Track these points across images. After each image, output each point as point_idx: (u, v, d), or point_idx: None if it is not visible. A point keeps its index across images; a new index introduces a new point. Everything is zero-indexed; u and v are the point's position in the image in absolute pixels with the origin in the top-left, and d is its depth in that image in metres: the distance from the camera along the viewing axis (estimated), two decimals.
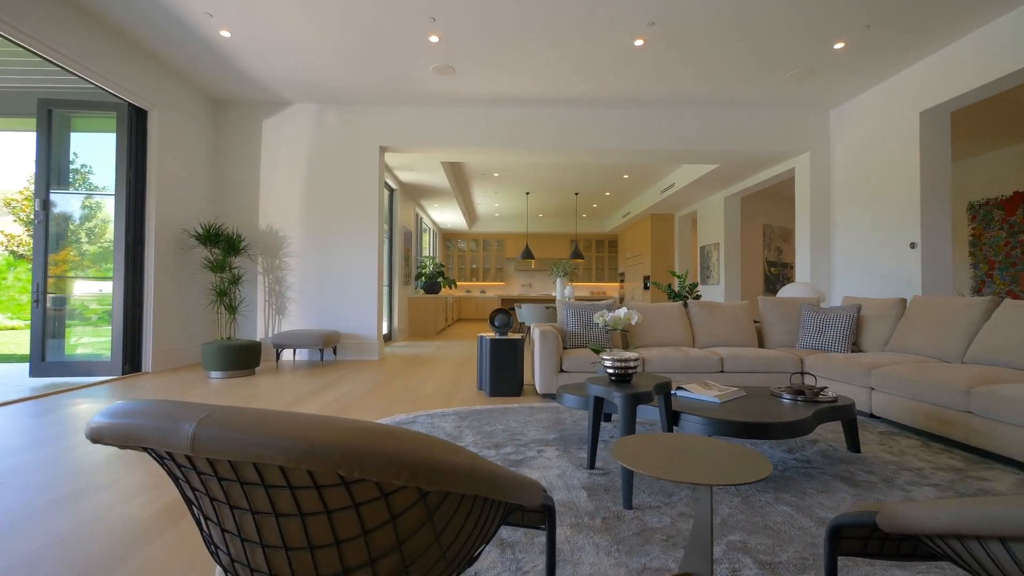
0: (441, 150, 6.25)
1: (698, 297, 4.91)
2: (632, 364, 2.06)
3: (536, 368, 3.81)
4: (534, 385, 4.33)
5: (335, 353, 5.89)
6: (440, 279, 10.29)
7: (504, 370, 3.91)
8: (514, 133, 6.11)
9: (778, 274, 10.04)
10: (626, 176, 9.62)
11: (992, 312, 3.15)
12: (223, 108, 6.04)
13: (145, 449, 0.69)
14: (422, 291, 10.57)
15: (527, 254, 10.87)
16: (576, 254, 10.96)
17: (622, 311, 2.69)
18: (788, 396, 2.52)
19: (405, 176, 8.42)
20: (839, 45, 4.63)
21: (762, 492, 2.01)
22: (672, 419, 2.22)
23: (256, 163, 6.05)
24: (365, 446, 0.58)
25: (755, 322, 4.58)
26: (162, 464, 0.75)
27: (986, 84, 4.27)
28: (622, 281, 14.47)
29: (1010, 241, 6.92)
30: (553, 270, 8.22)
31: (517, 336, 3.98)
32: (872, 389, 3.13)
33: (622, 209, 12.83)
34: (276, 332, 5.98)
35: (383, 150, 6.22)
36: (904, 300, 3.87)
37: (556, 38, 4.48)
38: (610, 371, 2.11)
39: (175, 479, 0.76)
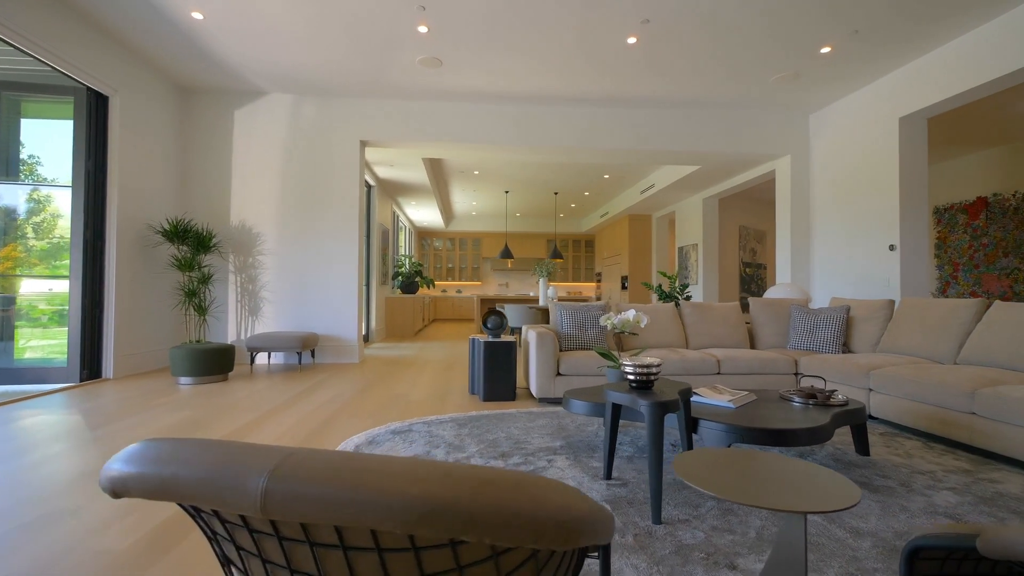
0: (424, 146, 6.06)
1: (688, 298, 4.90)
2: (655, 370, 1.97)
3: (532, 372, 3.69)
4: (527, 389, 4.22)
5: (313, 356, 5.63)
6: (418, 278, 10.06)
7: (498, 374, 3.78)
8: (499, 130, 5.97)
9: (752, 274, 10.25)
10: (607, 176, 9.63)
11: (982, 314, 3.22)
12: (191, 96, 5.68)
13: (181, 504, 0.53)
14: (399, 291, 10.32)
15: (506, 253, 10.75)
16: (555, 254, 10.92)
17: (630, 313, 2.61)
18: (799, 400, 2.49)
19: (384, 172, 8.16)
20: (825, 50, 4.69)
21: None
22: (691, 426, 2.14)
23: (227, 156, 5.71)
24: (497, 506, 0.45)
25: (745, 323, 4.59)
26: (196, 518, 0.59)
27: (965, 91, 4.40)
28: (599, 281, 14.53)
29: (973, 244, 7.24)
30: (536, 270, 8.13)
31: (511, 339, 3.86)
32: (871, 390, 3.15)
33: (600, 209, 12.86)
34: (250, 334, 5.67)
35: (364, 144, 5.98)
36: (892, 301, 3.94)
37: (549, 33, 4.38)
38: (631, 378, 2.01)
39: (212, 536, 0.61)
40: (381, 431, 2.89)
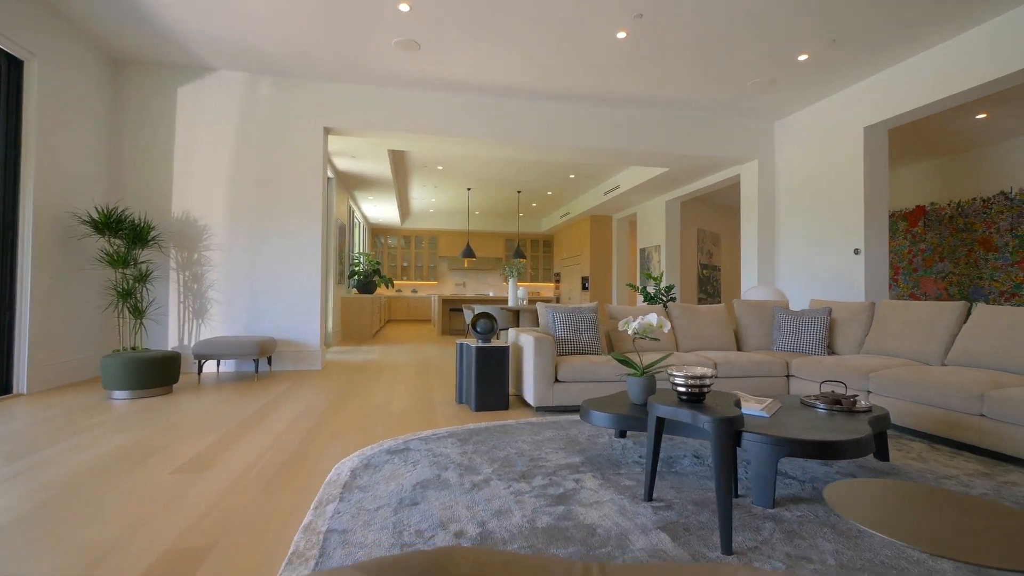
0: (393, 136, 5.66)
1: (673, 299, 4.85)
2: (708, 382, 1.80)
3: (529, 379, 3.46)
4: (518, 396, 3.98)
5: (270, 363, 5.09)
6: (376, 278, 9.54)
7: (491, 382, 3.51)
8: (474, 123, 5.69)
9: (709, 276, 10.55)
10: (572, 176, 9.56)
11: (964, 316, 3.33)
12: (126, 68, 4.99)
13: None
14: (355, 291, 9.76)
15: (468, 252, 10.45)
16: (518, 253, 10.74)
17: (652, 318, 2.44)
18: (824, 406, 2.41)
19: (344, 164, 7.63)
20: (803, 57, 4.78)
21: (842, 519, 1.83)
22: (736, 439, 1.99)
23: (169, 138, 5.06)
24: None
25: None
26: None
27: (927, 104, 4.62)
28: (557, 281, 14.51)
29: (912, 249, 7.76)
30: (505, 270, 7.90)
31: (504, 344, 3.61)
32: (870, 392, 3.17)
33: (561, 209, 12.82)
34: (197, 340, 5.05)
35: (327, 132, 5.51)
36: (873, 304, 4.04)
37: (537, 22, 4.16)
38: (682, 390, 1.83)
39: None
40: (374, 451, 2.56)
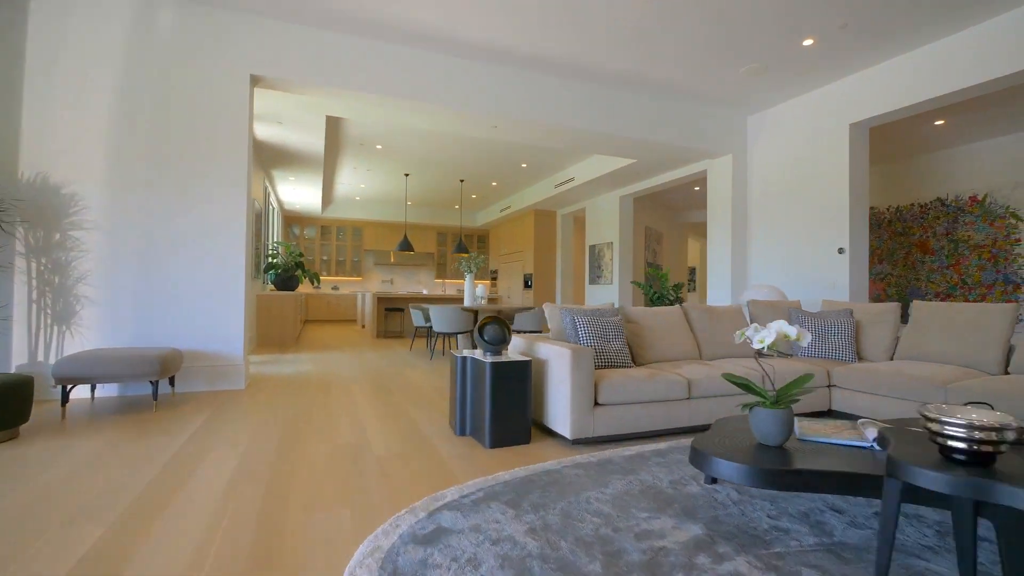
0: (338, 95, 4.55)
1: (680, 299, 4.32)
2: (1011, 435, 1.17)
3: (563, 403, 2.68)
4: (539, 424, 3.16)
5: (172, 384, 3.79)
6: (298, 272, 8.13)
7: (510, 408, 2.68)
8: (436, 86, 4.74)
9: (654, 275, 10.42)
10: (524, 165, 8.86)
11: (1016, 319, 3.12)
12: None
13: None
14: (271, 287, 8.26)
15: (405, 245, 9.36)
16: (461, 247, 9.85)
17: (783, 325, 1.81)
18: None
19: (266, 131, 6.25)
20: (808, 42, 4.49)
21: None
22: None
23: (16, 72, 3.56)
24: None
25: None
26: None
27: (913, 104, 4.55)
28: (494, 279, 13.77)
29: None
30: (463, 264, 7.01)
31: (525, 358, 2.79)
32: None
33: (501, 202, 12.08)
34: (60, 356, 3.61)
35: (255, 81, 4.27)
36: (899, 304, 3.79)
37: None
38: (960, 445, 1.18)
39: None
40: (392, 541, 1.63)
